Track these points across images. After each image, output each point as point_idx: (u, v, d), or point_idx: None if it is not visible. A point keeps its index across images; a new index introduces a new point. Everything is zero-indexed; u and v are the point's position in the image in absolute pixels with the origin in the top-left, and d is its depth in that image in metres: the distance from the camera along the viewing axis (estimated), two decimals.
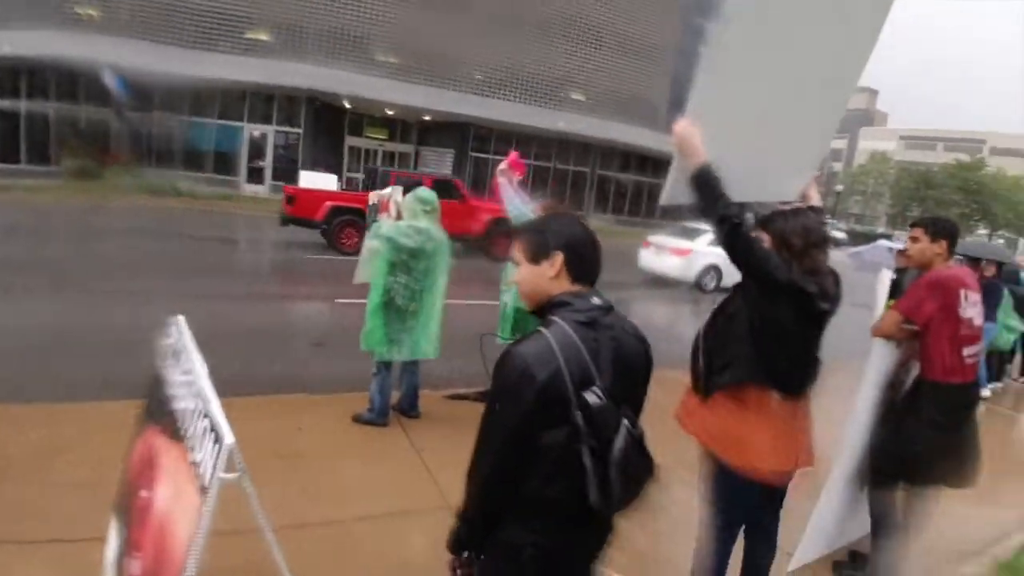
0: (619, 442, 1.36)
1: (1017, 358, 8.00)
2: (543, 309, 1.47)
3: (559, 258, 1.44)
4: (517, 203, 4.04)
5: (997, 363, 7.40)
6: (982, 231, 50.61)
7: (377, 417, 4.06)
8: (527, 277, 1.49)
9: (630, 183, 29.18)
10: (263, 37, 21.56)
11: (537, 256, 1.47)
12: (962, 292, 2.66)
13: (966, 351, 2.66)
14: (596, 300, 1.45)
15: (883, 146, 68.61)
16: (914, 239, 2.81)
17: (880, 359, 2.81)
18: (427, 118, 24.11)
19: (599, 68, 26.86)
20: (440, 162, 24.79)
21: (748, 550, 2.42)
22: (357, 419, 4.07)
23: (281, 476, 3.23)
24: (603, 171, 28.19)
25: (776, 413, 2.13)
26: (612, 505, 1.40)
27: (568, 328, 1.38)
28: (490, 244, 12.74)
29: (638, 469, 1.43)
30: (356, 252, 5.24)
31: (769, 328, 2.11)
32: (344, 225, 11.98)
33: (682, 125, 2.03)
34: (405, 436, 3.93)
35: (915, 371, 2.80)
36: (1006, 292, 6.83)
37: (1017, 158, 54.10)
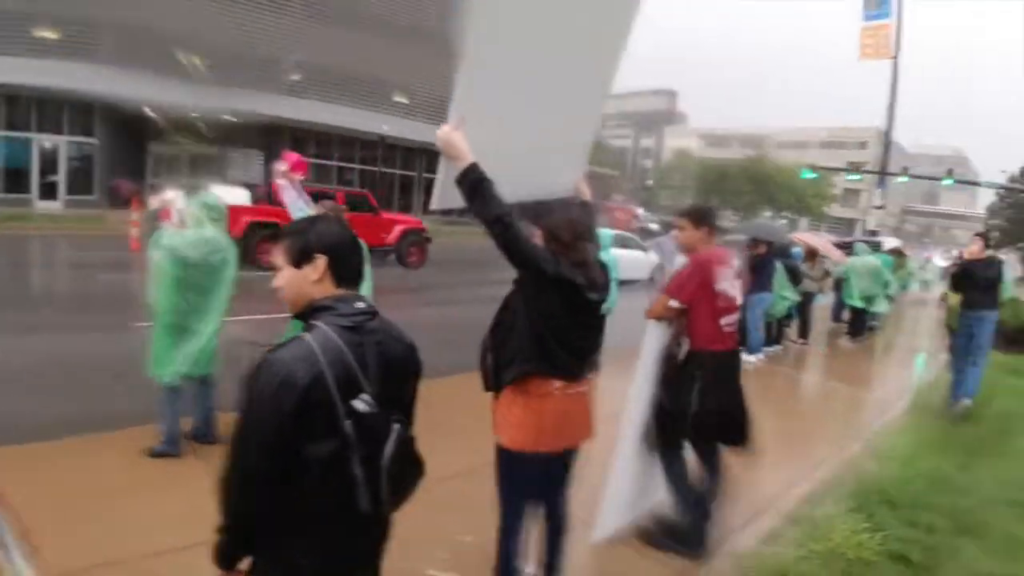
0: (389, 448, 1.38)
1: (795, 323, 9.20)
2: (306, 314, 1.43)
3: (322, 261, 1.41)
4: (301, 205, 3.87)
5: (776, 329, 8.50)
6: (768, 214, 58.14)
7: (169, 447, 3.71)
8: (289, 281, 1.44)
9: None
10: (50, 35, 18.91)
11: (299, 259, 1.43)
12: (717, 269, 2.96)
13: (723, 321, 2.98)
14: (360, 304, 1.43)
15: (685, 144, 76.07)
16: (681, 228, 3.10)
17: (654, 337, 3.09)
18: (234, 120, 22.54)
19: (422, 70, 26.92)
20: (247, 165, 23.32)
21: (544, 529, 2.55)
22: (150, 453, 3.69)
23: (64, 520, 2.94)
24: (430, 174, 28.24)
25: (558, 398, 2.26)
26: (384, 510, 1.43)
27: (332, 333, 1.35)
28: (405, 254, 14.07)
29: (408, 472, 1.46)
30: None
31: (545, 320, 2.21)
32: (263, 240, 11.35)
33: (445, 129, 2.06)
34: (201, 463, 3.63)
35: (686, 344, 3.10)
36: (779, 265, 7.85)
37: (795, 150, 62.37)
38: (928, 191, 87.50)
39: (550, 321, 2.20)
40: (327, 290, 1.44)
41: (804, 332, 9.03)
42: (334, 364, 1.31)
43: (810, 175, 37.24)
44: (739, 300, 3.10)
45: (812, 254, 8.88)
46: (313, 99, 23.57)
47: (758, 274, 7.53)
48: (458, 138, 2.05)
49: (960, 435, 5.30)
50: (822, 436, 5.48)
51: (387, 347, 1.44)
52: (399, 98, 26.46)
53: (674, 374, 3.08)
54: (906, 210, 78.88)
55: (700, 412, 2.96)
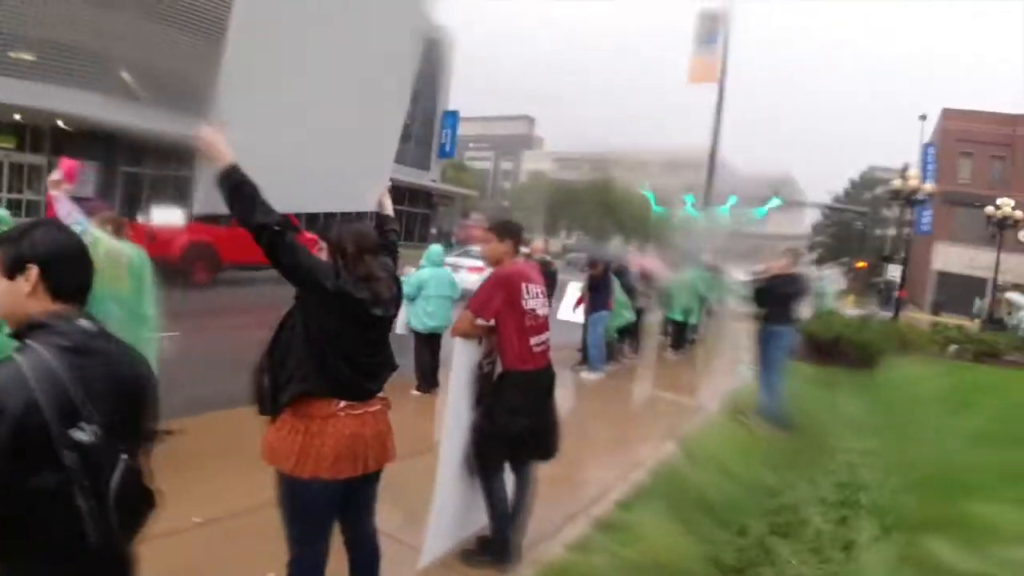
0: (116, 478, 1.29)
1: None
2: (22, 332, 1.30)
3: (34, 272, 1.29)
4: (76, 217, 3.51)
5: (629, 340, 9.03)
6: (616, 239, 61.49)
7: None
8: (2, 294, 1.31)
9: None
10: None
11: (12, 270, 1.30)
12: (524, 285, 3.03)
13: (533, 340, 3.09)
14: (84, 323, 1.32)
15: (541, 167, 79.21)
16: (485, 240, 3.15)
17: (463, 356, 3.11)
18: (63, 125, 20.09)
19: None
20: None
21: (352, 559, 2.46)
22: None
23: None
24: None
25: (343, 419, 2.16)
26: (114, 543, 1.32)
27: (47, 354, 1.23)
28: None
29: (138, 502, 1.38)
30: None
31: (326, 337, 2.14)
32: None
33: (205, 130, 1.98)
34: None
35: (500, 363, 3.16)
36: (617, 283, 8.32)
37: (640, 171, 66.73)
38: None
39: (332, 338, 2.14)
40: (44, 305, 1.31)
41: (636, 347, 9.64)
42: (49, 390, 1.20)
43: (656, 209, 39.84)
44: (547, 317, 3.22)
45: (645, 275, 9.54)
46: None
47: (597, 293, 7.94)
48: (218, 139, 1.98)
49: (772, 444, 5.70)
50: (644, 443, 5.84)
51: (117, 370, 1.34)
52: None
53: (488, 394, 3.13)
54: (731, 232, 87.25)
55: (513, 434, 3.02)
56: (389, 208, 2.78)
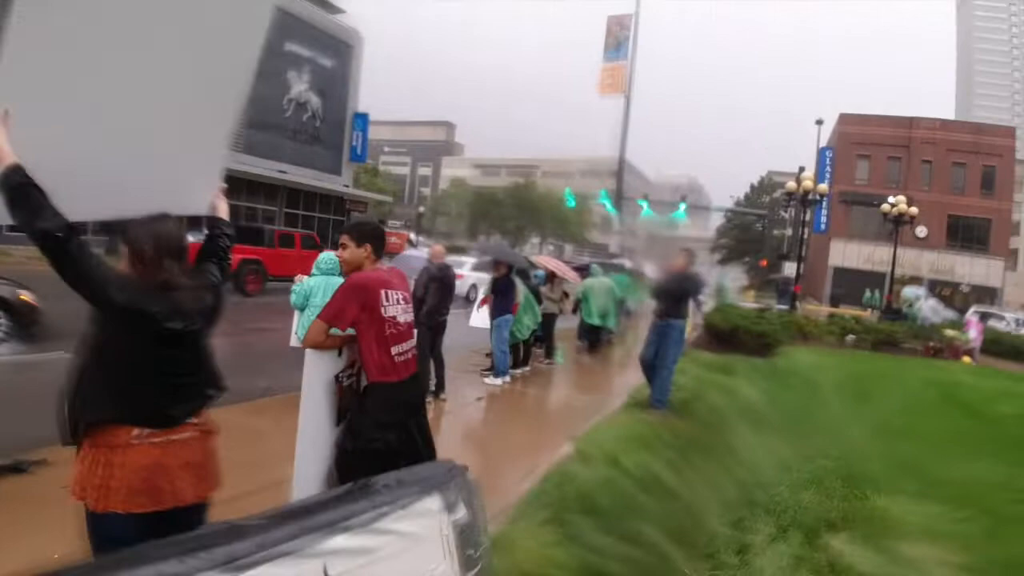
0: None
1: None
2: None
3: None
4: None
5: (524, 350, 8.79)
6: (535, 240, 62.50)
7: None
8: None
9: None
10: None
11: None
12: (383, 292, 2.74)
13: (395, 350, 2.77)
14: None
15: (461, 173, 79.12)
16: (343, 246, 2.85)
17: (315, 369, 2.76)
18: None
19: None
20: None
21: None
22: None
23: None
24: None
25: (144, 448, 1.89)
26: None
27: None
28: (243, 282, 14.61)
29: None
30: None
31: (119, 357, 1.88)
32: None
33: None
34: None
35: (365, 376, 2.84)
36: (521, 285, 8.10)
37: (560, 178, 67.75)
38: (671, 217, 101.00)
39: (126, 358, 1.89)
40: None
41: (549, 351, 9.47)
42: None
43: (571, 202, 40.59)
44: (411, 325, 2.94)
45: (552, 276, 9.39)
46: None
47: (500, 296, 7.71)
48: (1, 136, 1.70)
49: (670, 431, 5.67)
50: (543, 448, 5.62)
51: None
52: None
53: (351, 410, 2.81)
54: (651, 234, 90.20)
55: (379, 450, 2.71)
56: (223, 210, 2.45)
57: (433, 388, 6.72)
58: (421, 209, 57.11)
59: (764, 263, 39.86)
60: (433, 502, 1.86)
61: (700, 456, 4.85)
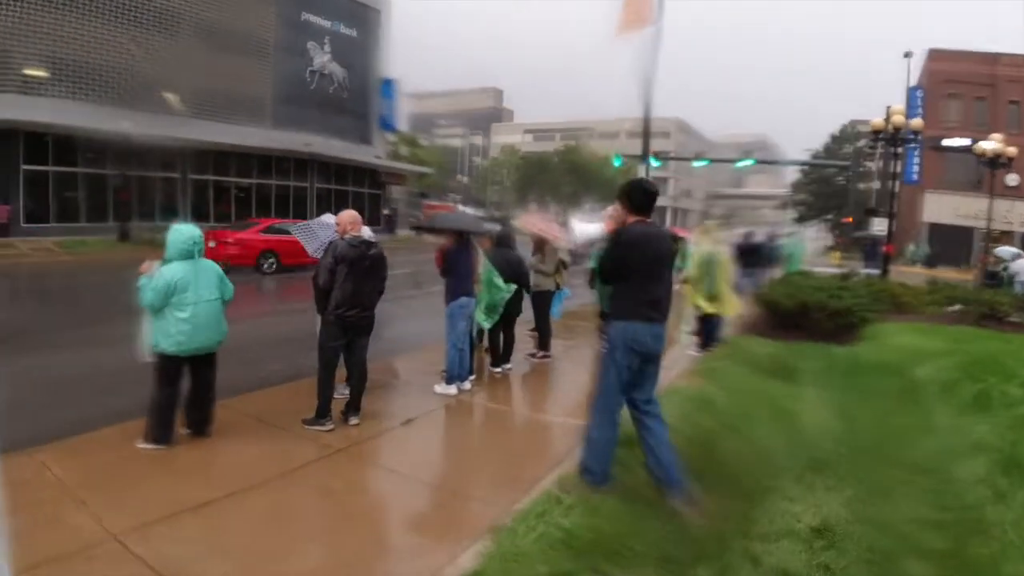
0: None
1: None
2: None
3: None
4: None
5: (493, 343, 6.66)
6: (588, 205, 59.35)
7: None
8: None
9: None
10: None
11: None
12: None
13: None
14: None
15: (512, 139, 76.22)
16: None
17: None
18: None
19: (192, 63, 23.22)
20: None
21: None
22: None
23: None
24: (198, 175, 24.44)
25: None
26: None
27: None
28: None
29: None
30: None
31: None
32: None
33: None
34: None
35: None
36: (485, 260, 5.93)
37: (609, 140, 64.06)
38: (733, 175, 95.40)
39: None
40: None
41: (543, 342, 7.23)
42: None
43: (619, 163, 37.65)
44: None
45: (541, 243, 7.11)
46: (56, 98, 19.47)
47: (450, 275, 5.61)
48: None
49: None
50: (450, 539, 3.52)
51: None
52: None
53: None
54: (711, 194, 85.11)
55: None
56: None
57: (343, 410, 4.72)
58: (464, 179, 55.01)
59: (849, 220, 35.70)
60: None
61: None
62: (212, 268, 4.32)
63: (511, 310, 6.35)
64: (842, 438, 4.27)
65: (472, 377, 5.99)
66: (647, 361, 3.47)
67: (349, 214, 4.73)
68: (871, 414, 4.83)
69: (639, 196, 3.57)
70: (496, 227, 7.51)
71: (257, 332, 8.11)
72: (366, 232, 4.78)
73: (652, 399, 3.53)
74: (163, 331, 4.08)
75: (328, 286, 4.47)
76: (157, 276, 4.04)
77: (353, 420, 4.68)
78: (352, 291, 4.51)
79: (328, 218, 5.39)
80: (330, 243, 4.67)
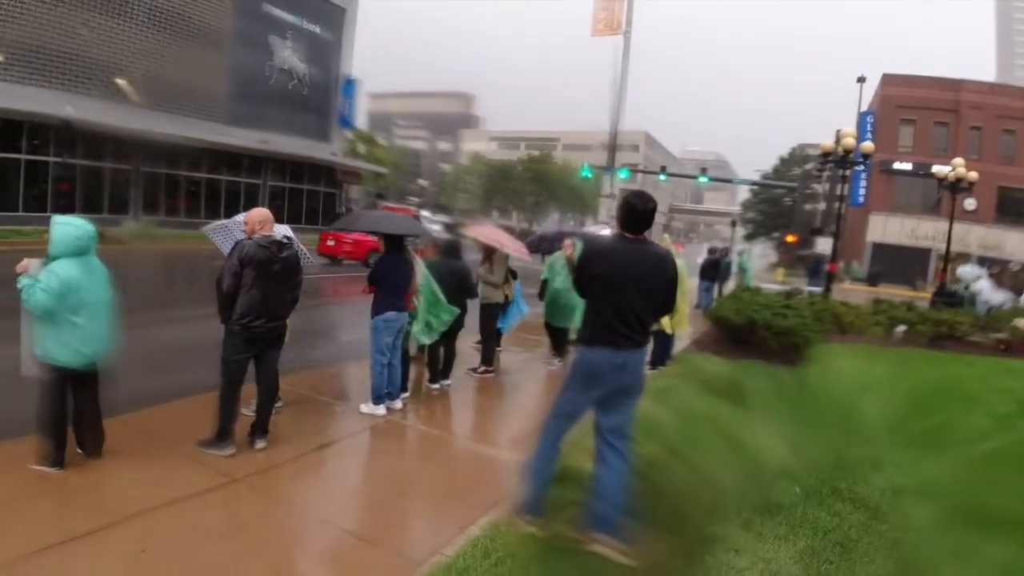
0: None
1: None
2: None
3: None
4: None
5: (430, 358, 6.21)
6: (555, 215, 59.70)
7: None
8: None
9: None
10: None
11: None
12: None
13: None
14: None
15: (479, 147, 75.90)
16: None
17: None
18: None
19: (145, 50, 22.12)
20: None
21: None
22: None
23: None
24: (148, 169, 23.23)
25: None
26: None
27: None
28: None
29: None
30: None
31: None
32: None
33: None
34: None
35: None
36: (424, 271, 5.48)
37: (580, 151, 64.21)
38: (694, 192, 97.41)
39: None
40: None
41: (487, 357, 6.80)
42: None
43: (588, 174, 37.72)
44: None
45: (489, 252, 6.70)
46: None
47: (378, 286, 5.13)
48: None
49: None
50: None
51: None
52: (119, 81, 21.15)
53: None
54: (673, 208, 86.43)
55: None
56: None
57: (250, 432, 4.20)
58: (423, 183, 54.39)
59: (794, 239, 36.41)
60: None
61: None
62: (101, 267, 3.79)
63: (453, 324, 5.91)
64: (795, 474, 3.98)
65: (405, 395, 5.53)
66: (615, 393, 3.12)
67: (259, 211, 4.20)
68: (823, 447, 4.56)
69: (623, 211, 3.23)
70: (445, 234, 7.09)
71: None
72: (281, 231, 4.29)
73: (620, 432, 3.17)
74: (56, 339, 3.53)
75: (232, 291, 3.96)
76: (47, 275, 3.48)
77: (259, 444, 4.16)
78: (260, 298, 3.99)
79: (238, 217, 4.85)
80: (236, 243, 4.13)
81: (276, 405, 4.84)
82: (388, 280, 5.09)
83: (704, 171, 36.03)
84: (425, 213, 35.34)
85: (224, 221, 5.04)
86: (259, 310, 3.99)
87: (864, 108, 35.61)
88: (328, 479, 4.03)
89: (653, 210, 3.24)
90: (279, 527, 3.30)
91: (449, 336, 6.02)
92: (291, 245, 4.23)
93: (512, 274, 7.00)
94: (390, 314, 5.07)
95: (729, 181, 47.62)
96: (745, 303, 9.43)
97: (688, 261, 7.83)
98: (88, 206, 20.54)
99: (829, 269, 16.09)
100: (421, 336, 5.51)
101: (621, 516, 3.04)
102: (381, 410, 5.08)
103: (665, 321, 6.84)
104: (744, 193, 58.27)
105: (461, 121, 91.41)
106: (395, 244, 5.21)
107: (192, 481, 3.62)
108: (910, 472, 4.19)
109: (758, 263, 32.43)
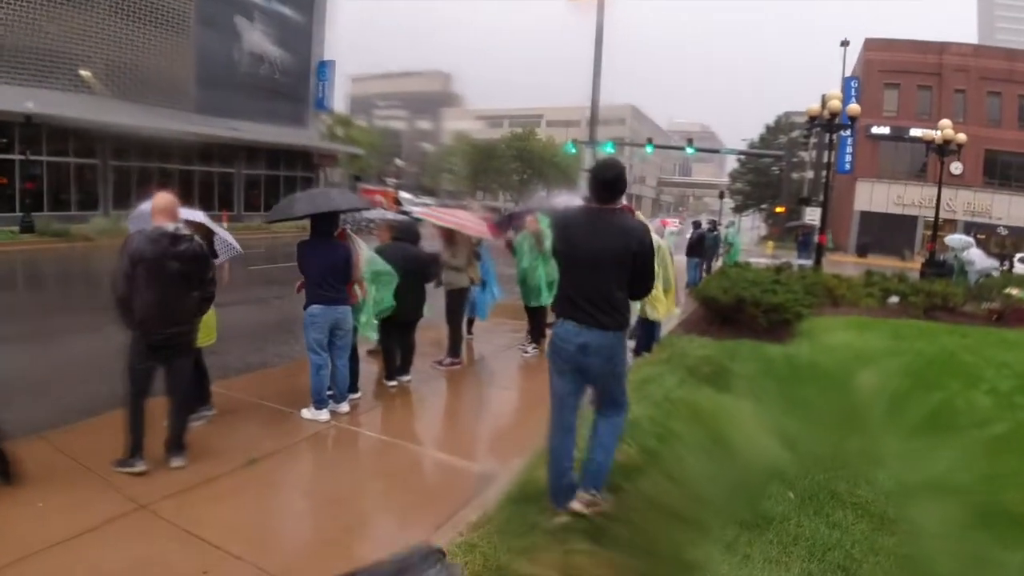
0: None
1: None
2: None
3: None
4: None
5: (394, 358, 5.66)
6: (542, 192, 58.99)
7: None
8: None
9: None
10: None
11: None
12: None
13: None
14: None
15: (463, 125, 74.52)
16: None
17: None
18: None
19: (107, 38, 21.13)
20: None
21: None
22: None
23: None
24: (117, 161, 22.35)
25: None
26: None
27: None
28: None
29: None
30: None
31: None
32: None
33: None
34: None
35: None
36: (368, 254, 4.93)
37: (565, 127, 63.26)
38: (682, 164, 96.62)
39: None
40: None
41: (454, 347, 6.27)
42: None
43: (572, 150, 37.08)
44: None
45: (450, 236, 6.14)
46: None
47: (304, 275, 4.57)
48: None
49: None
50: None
51: None
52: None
53: None
54: (662, 182, 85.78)
55: None
56: None
57: (166, 449, 3.67)
58: (401, 163, 53.38)
59: (782, 210, 35.98)
60: None
61: None
62: None
63: (409, 315, 5.37)
64: (787, 475, 3.49)
65: (355, 396, 5.00)
66: (579, 370, 3.01)
67: (161, 197, 3.58)
68: (817, 438, 4.07)
69: (590, 182, 3.04)
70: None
71: None
72: (190, 215, 3.72)
73: (611, 402, 3.14)
74: None
75: (125, 294, 3.39)
76: None
77: (176, 462, 3.62)
78: (154, 301, 3.42)
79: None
80: (125, 238, 3.53)
81: (207, 414, 4.33)
82: (312, 268, 4.48)
83: (690, 142, 35.27)
84: (405, 195, 34.47)
85: (143, 207, 4.40)
86: (155, 315, 3.43)
87: (848, 73, 35.03)
88: (253, 502, 3.46)
89: (616, 177, 2.97)
90: (182, 566, 2.78)
91: (405, 328, 5.48)
92: (190, 238, 3.61)
93: (476, 255, 6.45)
94: (315, 308, 4.48)
95: (716, 151, 46.83)
96: (733, 280, 8.97)
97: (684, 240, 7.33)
98: (56, 203, 19.81)
99: (819, 240, 15.64)
100: (366, 330, 4.96)
101: (595, 480, 3.09)
102: (324, 415, 4.54)
103: (647, 308, 6.25)
104: (732, 163, 57.65)
105: (441, 100, 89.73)
106: (322, 225, 4.54)
107: (99, 510, 3.12)
108: (916, 466, 3.72)
109: (747, 236, 31.96)
